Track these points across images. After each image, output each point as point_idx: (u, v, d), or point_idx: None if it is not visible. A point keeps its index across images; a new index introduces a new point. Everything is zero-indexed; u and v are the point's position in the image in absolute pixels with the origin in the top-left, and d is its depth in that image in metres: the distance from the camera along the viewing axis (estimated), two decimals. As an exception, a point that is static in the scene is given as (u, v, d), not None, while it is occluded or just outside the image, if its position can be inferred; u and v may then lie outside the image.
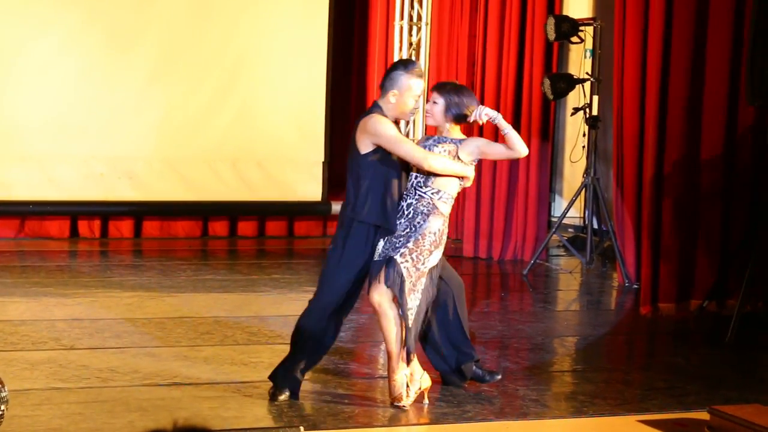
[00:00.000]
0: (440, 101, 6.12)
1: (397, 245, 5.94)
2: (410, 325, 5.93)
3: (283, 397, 6.09)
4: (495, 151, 6.22)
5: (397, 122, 6.16)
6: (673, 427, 5.85)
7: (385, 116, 6.03)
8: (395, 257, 5.91)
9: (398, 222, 6.00)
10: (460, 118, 6.14)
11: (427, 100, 6.24)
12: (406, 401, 6.03)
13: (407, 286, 5.90)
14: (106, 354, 7.02)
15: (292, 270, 10.39)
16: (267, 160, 12.29)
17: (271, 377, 6.19)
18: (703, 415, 5.90)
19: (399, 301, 5.94)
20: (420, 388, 6.09)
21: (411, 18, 12.54)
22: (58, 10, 11.54)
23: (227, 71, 12.09)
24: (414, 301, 5.93)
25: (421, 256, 5.93)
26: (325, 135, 12.47)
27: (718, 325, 8.24)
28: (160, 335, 7.59)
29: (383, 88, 6.09)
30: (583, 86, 10.84)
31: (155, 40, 11.85)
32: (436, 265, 6.02)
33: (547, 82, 10.55)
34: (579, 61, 12.03)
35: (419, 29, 12.52)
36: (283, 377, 6.14)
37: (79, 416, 5.76)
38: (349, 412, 5.98)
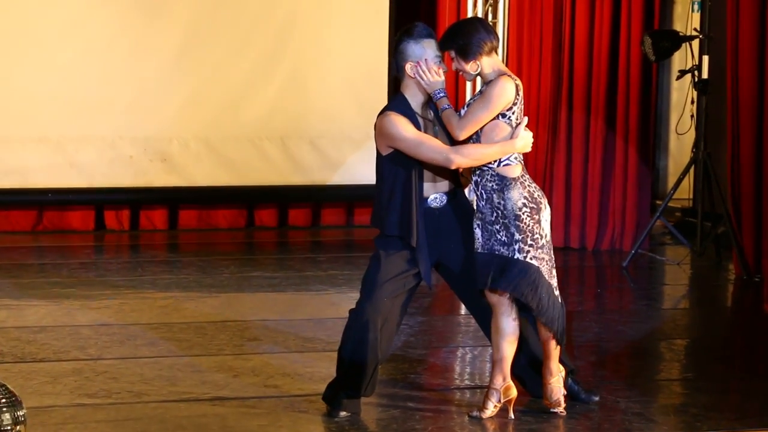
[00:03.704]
0: (452, 52, 6.07)
1: (502, 238, 5.96)
2: (559, 310, 6.05)
3: (344, 413, 6.10)
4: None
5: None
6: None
7: (410, 107, 6.06)
8: (517, 257, 5.94)
9: (478, 204, 6.02)
10: (487, 50, 6.03)
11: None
12: (488, 412, 6.06)
13: (545, 269, 5.97)
14: (139, 365, 7.07)
15: (351, 264, 10.40)
16: (321, 137, 12.30)
17: (324, 399, 6.20)
18: (838, 430, 5.86)
19: (533, 305, 5.98)
20: (503, 400, 6.08)
21: (487, -31, 12.50)
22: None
23: (274, 35, 12.11)
24: (555, 278, 6.06)
25: (534, 235, 5.96)
26: (387, 108, 12.47)
27: None
28: (200, 342, 7.64)
29: (398, 67, 6.13)
30: (690, 45, 10.73)
31: (189, 1, 11.89)
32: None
33: (647, 40, 10.46)
34: (686, 15, 11.93)
35: (496, -18, 12.48)
36: (334, 399, 6.15)
37: (108, 437, 5.82)
38: (421, 428, 5.98)
